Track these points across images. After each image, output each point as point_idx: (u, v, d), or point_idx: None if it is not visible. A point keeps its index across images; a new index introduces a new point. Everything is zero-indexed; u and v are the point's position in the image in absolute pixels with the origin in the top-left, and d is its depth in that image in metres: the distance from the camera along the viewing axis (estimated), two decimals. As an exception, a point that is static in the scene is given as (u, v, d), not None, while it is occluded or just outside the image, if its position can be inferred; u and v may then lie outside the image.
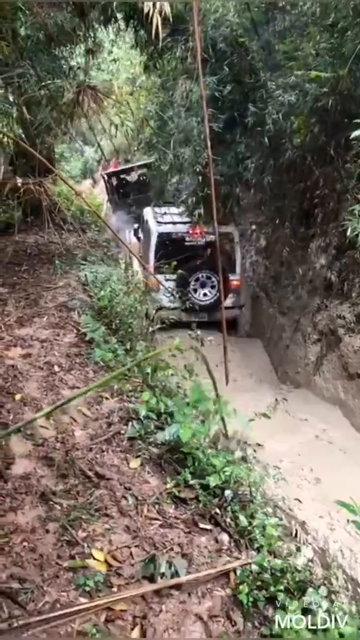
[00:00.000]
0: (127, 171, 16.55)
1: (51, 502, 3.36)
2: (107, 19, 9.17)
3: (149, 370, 5.14)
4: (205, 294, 9.82)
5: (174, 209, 10.28)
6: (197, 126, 8.55)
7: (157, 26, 6.20)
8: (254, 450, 5.11)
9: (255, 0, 8.47)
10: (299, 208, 8.91)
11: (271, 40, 8.69)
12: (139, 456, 3.96)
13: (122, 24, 9.39)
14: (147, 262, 9.70)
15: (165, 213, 10.31)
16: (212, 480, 3.47)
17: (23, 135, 7.50)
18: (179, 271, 9.29)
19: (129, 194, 16.11)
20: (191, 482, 3.59)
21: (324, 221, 8.07)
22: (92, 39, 10.12)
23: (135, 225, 12.59)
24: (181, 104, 9.16)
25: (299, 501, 5.53)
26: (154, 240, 9.76)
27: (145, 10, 6.40)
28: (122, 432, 4.24)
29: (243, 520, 3.18)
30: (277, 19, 8.72)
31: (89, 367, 5.38)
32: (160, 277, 9.29)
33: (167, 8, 6.34)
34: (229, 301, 9.99)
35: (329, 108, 6.95)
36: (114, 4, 8.60)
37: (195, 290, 9.79)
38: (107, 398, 4.84)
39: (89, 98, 7.38)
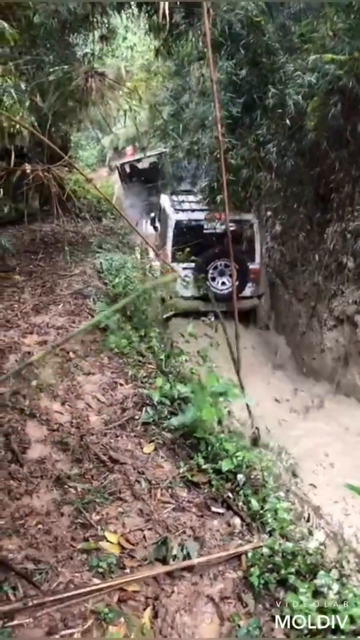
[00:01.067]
0: (139, 160, 16.26)
1: (66, 486, 3.42)
2: (120, 5, 9.10)
3: (162, 356, 5.16)
4: (223, 283, 9.57)
5: (192, 197, 10.09)
6: (213, 111, 8.45)
7: (164, 10, 6.14)
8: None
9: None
10: (315, 193, 8.80)
11: (286, 22, 8.55)
12: (152, 441, 3.99)
13: (135, 10, 9.31)
14: (164, 251, 9.58)
15: (183, 201, 10.08)
16: (225, 465, 3.49)
17: (36, 124, 7.49)
18: (197, 259, 9.22)
19: (141, 181, 16.05)
20: (204, 466, 3.61)
21: (340, 206, 7.97)
22: (106, 25, 10.07)
23: (152, 215, 12.42)
24: (195, 89, 9.08)
25: (314, 486, 5.56)
26: (171, 228, 9.57)
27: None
28: (136, 417, 4.27)
29: (255, 504, 3.19)
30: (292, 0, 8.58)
31: (103, 354, 5.41)
32: (178, 265, 9.20)
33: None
34: (248, 290, 9.89)
35: (345, 90, 6.85)
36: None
37: (213, 279, 9.55)
38: (121, 384, 4.87)
39: (97, 84, 7.33)
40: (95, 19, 9.37)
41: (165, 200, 10.73)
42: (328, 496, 5.45)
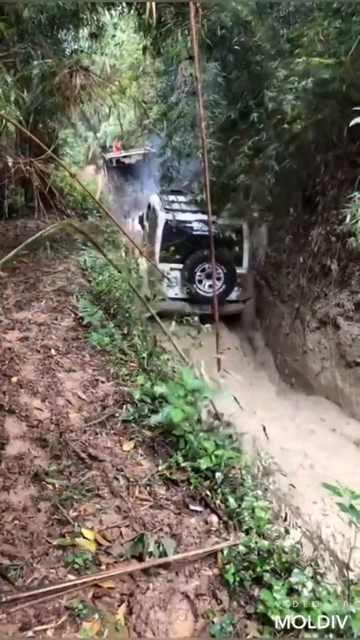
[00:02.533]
0: (126, 157, 16.56)
1: (44, 482, 3.40)
2: (110, 2, 9.07)
3: (144, 354, 5.15)
4: (210, 285, 9.14)
5: (182, 197, 10.06)
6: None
7: (151, 8, 6.14)
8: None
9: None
10: (302, 195, 8.86)
11: (275, 25, 8.60)
12: (132, 439, 3.98)
13: (125, 8, 9.28)
14: (152, 250, 9.56)
15: (172, 201, 10.01)
16: (203, 463, 3.49)
17: (21, 119, 7.44)
18: (187, 261, 9.26)
19: (125, 177, 16.22)
20: (183, 464, 3.61)
21: (325, 208, 8.03)
22: (96, 22, 10.03)
23: (140, 213, 12.39)
24: (183, 89, 9.08)
25: (293, 486, 5.59)
26: (160, 228, 9.55)
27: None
28: (117, 415, 4.26)
29: (232, 502, 3.19)
30: (282, 3, 8.62)
31: (85, 351, 5.40)
32: (165, 265, 9.21)
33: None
34: (234, 294, 9.91)
35: (333, 94, 6.91)
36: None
37: (200, 281, 9.54)
38: (102, 381, 4.86)
39: (81, 79, 7.29)
40: (84, 16, 9.32)
41: (154, 199, 10.67)
42: (307, 496, 5.50)
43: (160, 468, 3.63)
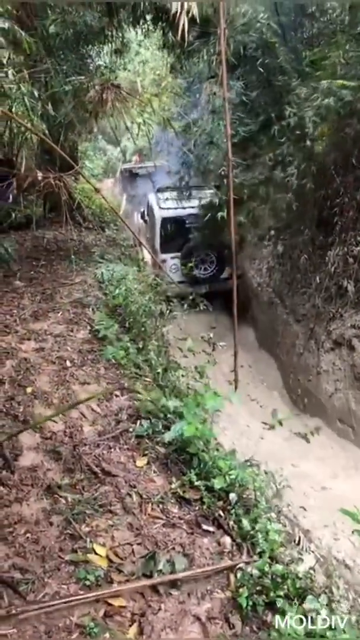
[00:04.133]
0: (140, 168, 17.92)
1: (56, 496, 3.39)
2: (136, 20, 9.23)
3: (159, 369, 5.14)
4: (205, 269, 11.16)
5: (175, 193, 11.09)
6: (222, 129, 8.58)
7: (183, 27, 6.22)
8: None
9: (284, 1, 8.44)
10: (319, 215, 8.86)
11: (298, 46, 8.67)
12: (145, 455, 3.97)
13: (150, 26, 9.43)
14: (153, 243, 11.17)
15: (167, 198, 11.12)
16: (217, 483, 3.46)
17: (47, 132, 7.56)
18: (183, 250, 10.84)
19: (137, 186, 17.08)
20: (196, 483, 3.58)
21: (343, 229, 8.01)
22: (121, 39, 10.20)
23: (142, 209, 13.61)
24: (205, 106, 9.19)
25: (304, 509, 5.53)
26: (158, 223, 10.99)
27: (173, 11, 6.43)
28: (130, 430, 4.25)
29: (246, 524, 3.16)
30: (305, 25, 8.71)
31: (100, 364, 5.40)
32: (166, 255, 10.90)
33: (195, 10, 6.36)
34: (225, 273, 11.03)
35: (357, 115, 6.93)
36: (143, 4, 8.65)
37: (196, 266, 10.94)
38: (117, 395, 4.85)
39: (112, 96, 7.42)
40: (110, 32, 9.48)
41: (152, 198, 11.96)
42: (318, 519, 5.43)
43: (173, 486, 3.60)
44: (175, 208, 10.92)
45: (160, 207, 11.17)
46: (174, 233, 10.89)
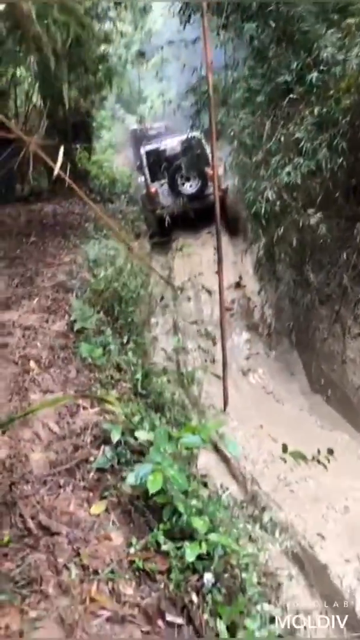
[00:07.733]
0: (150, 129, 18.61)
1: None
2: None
3: (139, 375, 4.14)
4: (190, 185, 12.26)
5: (156, 124, 14.02)
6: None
7: None
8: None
9: None
10: (347, 184, 7.68)
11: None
12: (104, 497, 2.98)
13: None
14: (145, 177, 12.52)
15: (145, 136, 13.34)
16: (190, 553, 2.46)
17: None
18: (168, 175, 12.11)
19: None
20: (164, 547, 2.59)
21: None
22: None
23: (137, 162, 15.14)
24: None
25: (322, 537, 4.55)
26: (144, 159, 12.57)
27: None
28: (91, 459, 3.26)
29: (223, 626, 2.16)
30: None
31: (72, 365, 4.43)
32: (157, 183, 12.36)
33: None
34: (210, 189, 11.21)
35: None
36: None
37: (182, 184, 12.25)
38: (84, 407, 3.87)
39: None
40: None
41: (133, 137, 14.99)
42: (338, 551, 4.44)
43: (132, 550, 2.62)
44: (157, 143, 12.92)
45: (143, 146, 13.04)
46: (158, 163, 12.32)
